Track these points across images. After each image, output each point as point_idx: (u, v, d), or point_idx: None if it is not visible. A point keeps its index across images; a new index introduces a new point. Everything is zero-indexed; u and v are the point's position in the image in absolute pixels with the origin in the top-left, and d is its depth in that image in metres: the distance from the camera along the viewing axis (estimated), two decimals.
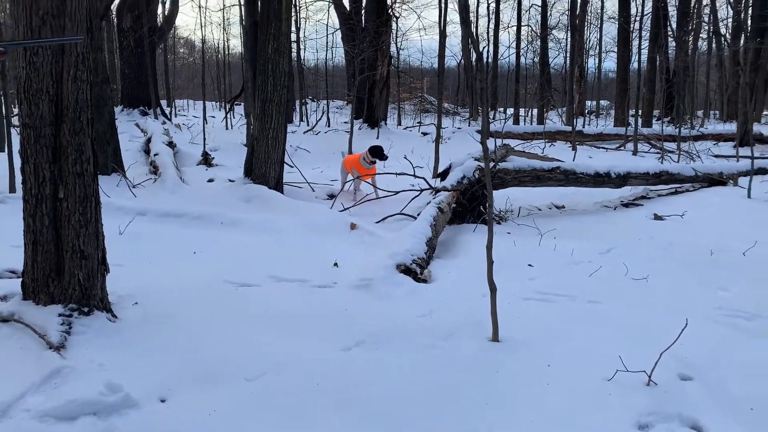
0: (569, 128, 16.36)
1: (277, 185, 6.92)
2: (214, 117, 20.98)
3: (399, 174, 6.85)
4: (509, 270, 4.76)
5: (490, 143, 12.17)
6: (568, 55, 24.18)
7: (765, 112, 27.51)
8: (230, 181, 7.34)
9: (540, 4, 25.14)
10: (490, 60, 25.77)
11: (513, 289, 4.25)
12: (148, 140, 9.95)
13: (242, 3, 9.50)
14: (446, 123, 21.90)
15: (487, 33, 29.07)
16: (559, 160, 7.73)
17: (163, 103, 19.97)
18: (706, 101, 30.70)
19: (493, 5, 25.54)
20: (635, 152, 13.02)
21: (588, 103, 28.86)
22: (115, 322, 3.41)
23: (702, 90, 31.17)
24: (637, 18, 22.08)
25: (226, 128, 16.71)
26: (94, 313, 3.33)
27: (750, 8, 20.72)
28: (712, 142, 15.68)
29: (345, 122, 19.22)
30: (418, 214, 6.04)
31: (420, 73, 28.31)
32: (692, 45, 22.23)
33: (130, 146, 9.80)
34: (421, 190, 6.45)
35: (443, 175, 6.80)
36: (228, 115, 16.98)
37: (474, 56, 27.30)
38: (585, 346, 3.38)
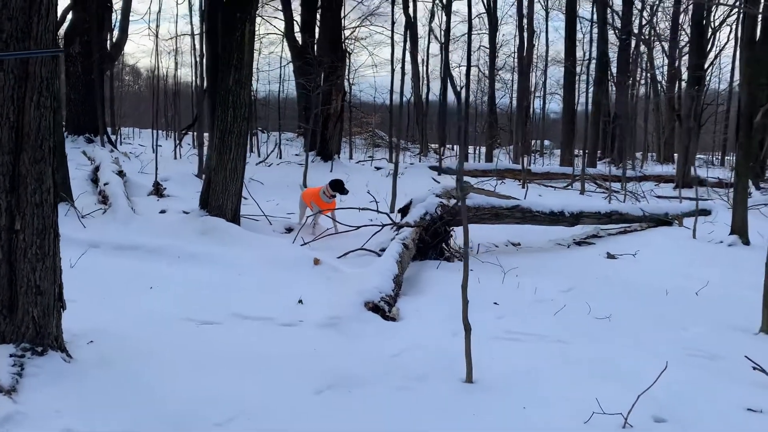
0: (518, 166, 16.74)
1: (234, 218, 6.76)
2: (161, 146, 20.53)
3: (362, 209, 6.80)
4: (476, 308, 4.70)
5: (449, 181, 12.29)
6: (515, 95, 24.87)
7: (699, 155, 28.90)
8: (184, 212, 7.12)
9: (488, 45, 25.90)
10: (438, 97, 26.37)
11: (482, 329, 4.20)
12: (96, 168, 9.60)
13: (195, 33, 9.41)
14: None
15: (440, 72, 29.75)
16: (516, 198, 7.85)
17: (109, 130, 19.44)
18: (645, 143, 32.06)
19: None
20: (582, 191, 13.39)
21: (532, 142, 29.67)
22: (71, 362, 3.20)
23: (640, 133, 32.51)
24: (583, 62, 22.95)
25: (175, 158, 16.36)
26: (48, 353, 3.11)
27: (686, 56, 21.89)
28: (654, 183, 16.29)
29: (296, 154, 19.11)
30: (381, 250, 6.00)
31: (372, 109, 28.61)
32: (632, 90, 23.27)
33: (77, 174, 9.41)
34: (383, 226, 6.41)
35: (404, 211, 6.80)
36: (177, 145, 16.63)
37: (423, 93, 27.71)
38: (558, 387, 3.37)
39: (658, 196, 13.69)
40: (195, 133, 15.72)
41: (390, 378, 3.38)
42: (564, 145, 20.51)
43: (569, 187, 14.29)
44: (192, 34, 17.44)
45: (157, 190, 9.14)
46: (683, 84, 20.47)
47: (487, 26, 24.73)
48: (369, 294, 4.29)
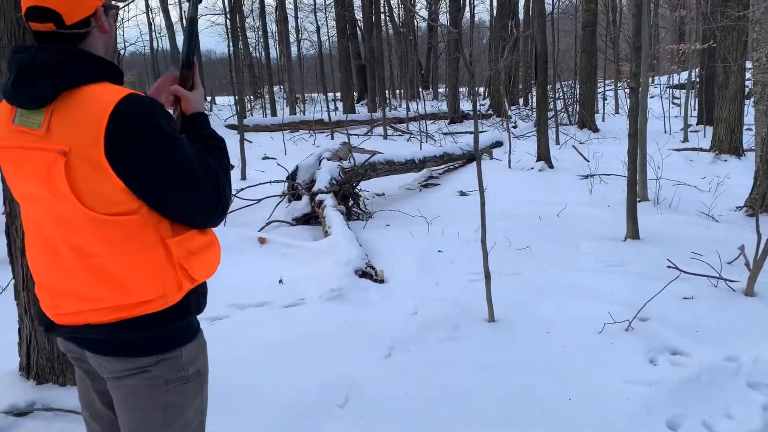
0: (310, 119, 17.16)
1: None
2: None
3: (273, 182, 6.72)
4: (429, 258, 5.25)
5: (330, 143, 12.13)
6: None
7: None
8: None
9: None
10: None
11: (454, 274, 4.76)
12: None
13: None
14: None
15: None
16: (379, 152, 8.37)
17: None
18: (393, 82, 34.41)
19: None
20: (386, 136, 14.36)
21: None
22: None
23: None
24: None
25: None
26: None
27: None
28: (430, 121, 17.97)
29: None
30: (294, 219, 6.12)
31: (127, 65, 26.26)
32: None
33: None
34: (284, 195, 6.47)
35: (293, 176, 6.88)
36: None
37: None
38: (559, 312, 4.04)
39: (445, 134, 15.25)
40: None
41: (432, 332, 3.75)
42: (344, 93, 21.34)
43: (370, 133, 15.16)
44: None
45: None
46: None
47: None
48: (355, 262, 4.52)
